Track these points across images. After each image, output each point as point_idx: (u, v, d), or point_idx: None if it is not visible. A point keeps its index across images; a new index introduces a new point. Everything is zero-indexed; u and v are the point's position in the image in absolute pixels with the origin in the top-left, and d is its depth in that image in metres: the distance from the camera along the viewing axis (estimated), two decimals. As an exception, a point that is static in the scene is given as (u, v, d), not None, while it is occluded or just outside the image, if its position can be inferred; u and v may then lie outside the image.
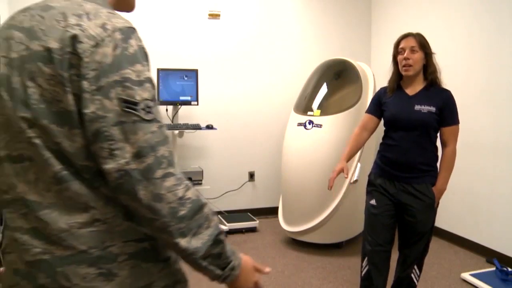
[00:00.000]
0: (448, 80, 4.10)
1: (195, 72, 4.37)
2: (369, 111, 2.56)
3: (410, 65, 2.31)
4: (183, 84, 4.32)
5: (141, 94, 0.86)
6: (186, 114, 4.67)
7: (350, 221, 3.84)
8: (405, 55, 2.32)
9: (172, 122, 4.41)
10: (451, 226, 4.15)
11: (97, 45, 0.83)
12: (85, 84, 0.82)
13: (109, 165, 0.83)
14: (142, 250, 0.94)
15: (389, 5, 5.00)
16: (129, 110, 0.84)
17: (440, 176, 2.39)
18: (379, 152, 2.53)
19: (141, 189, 0.84)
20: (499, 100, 3.59)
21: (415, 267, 2.48)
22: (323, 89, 4.00)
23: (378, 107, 2.50)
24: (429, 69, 2.36)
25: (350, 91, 3.92)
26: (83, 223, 0.88)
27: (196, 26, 4.68)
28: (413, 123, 2.31)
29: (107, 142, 0.83)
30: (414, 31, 2.43)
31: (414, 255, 2.45)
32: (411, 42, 2.33)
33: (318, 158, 3.66)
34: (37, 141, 0.86)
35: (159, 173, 0.85)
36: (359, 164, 3.64)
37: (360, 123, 2.57)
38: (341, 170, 2.38)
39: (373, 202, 2.46)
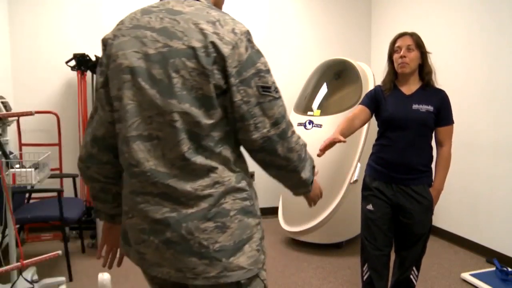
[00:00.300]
0: (448, 80, 4.12)
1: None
2: (363, 103, 2.46)
3: (406, 63, 2.30)
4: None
5: (270, 79, 1.14)
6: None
7: (350, 221, 3.84)
8: (401, 53, 2.31)
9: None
10: (451, 226, 4.15)
11: (233, 48, 1.08)
12: (232, 79, 1.08)
13: (255, 135, 1.12)
14: (245, 207, 1.18)
15: (389, 5, 5.00)
16: (265, 93, 1.12)
17: (437, 176, 2.38)
18: (373, 154, 2.49)
19: (279, 147, 1.15)
20: (499, 100, 3.59)
21: (414, 268, 2.45)
22: (323, 89, 4.00)
23: (373, 102, 2.43)
24: (425, 69, 2.35)
25: (350, 91, 3.92)
26: (205, 186, 1.11)
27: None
28: (411, 122, 2.29)
29: (252, 119, 1.11)
30: (414, 31, 2.42)
31: (412, 257, 2.43)
32: (408, 41, 2.32)
33: (317, 158, 3.65)
34: (177, 124, 1.08)
35: (289, 133, 1.17)
36: (359, 164, 3.64)
37: (351, 113, 2.44)
38: (335, 140, 2.19)
39: (370, 207, 2.42)
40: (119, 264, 1.45)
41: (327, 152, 2.42)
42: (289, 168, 1.20)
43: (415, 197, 2.33)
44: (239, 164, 1.20)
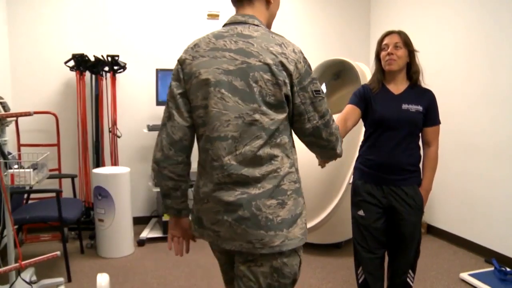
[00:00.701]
0: (447, 81, 4.14)
1: (194, 72, 4.36)
2: (353, 102, 2.39)
3: (394, 60, 2.29)
4: (182, 84, 4.32)
5: (319, 85, 1.49)
6: (185, 114, 4.66)
7: (349, 221, 3.81)
8: (388, 50, 2.29)
9: (171, 122, 4.41)
10: (450, 226, 4.16)
11: (295, 64, 1.41)
12: (295, 88, 1.42)
13: (308, 126, 1.47)
14: (297, 189, 1.49)
15: (388, 5, 5.01)
16: (317, 95, 1.46)
17: (425, 177, 2.37)
18: (360, 156, 2.45)
19: (324, 132, 1.49)
20: (498, 102, 3.59)
21: (410, 271, 2.43)
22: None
23: (362, 101, 2.37)
24: (413, 68, 2.34)
25: (349, 91, 3.92)
26: (269, 171, 1.42)
27: (195, 27, 4.68)
28: (402, 122, 2.27)
29: (306, 114, 1.45)
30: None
31: (407, 261, 2.40)
32: (395, 39, 2.30)
33: (317, 159, 3.65)
34: (257, 122, 1.40)
35: (331, 122, 1.51)
36: (358, 164, 3.64)
37: (341, 115, 2.38)
38: None
39: (361, 213, 2.40)
40: (187, 250, 1.71)
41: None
42: (329, 147, 1.54)
43: (406, 199, 2.31)
44: (292, 154, 1.51)
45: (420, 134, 2.37)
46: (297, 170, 1.53)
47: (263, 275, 1.45)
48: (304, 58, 1.46)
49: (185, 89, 1.49)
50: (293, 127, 1.51)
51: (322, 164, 2.03)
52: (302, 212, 1.50)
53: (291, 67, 1.40)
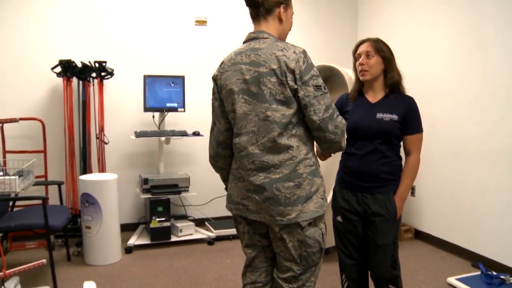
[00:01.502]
0: (435, 87, 4.18)
1: (181, 78, 4.36)
2: None
3: (365, 70, 2.28)
4: (169, 90, 4.31)
5: (320, 81, 1.72)
6: (172, 120, 4.65)
7: (337, 227, 3.84)
8: (360, 60, 2.29)
9: (159, 128, 4.39)
10: (437, 231, 4.19)
11: (296, 62, 1.67)
12: (298, 82, 1.67)
13: (315, 118, 1.69)
14: (313, 171, 1.76)
15: (375, 12, 5.05)
16: (318, 89, 1.70)
17: (401, 184, 2.29)
18: (340, 162, 2.46)
19: (329, 125, 1.71)
20: (485, 108, 3.64)
21: (390, 286, 2.38)
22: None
23: (339, 111, 2.39)
24: (388, 74, 2.30)
25: (337, 96, 3.93)
26: (286, 159, 1.71)
27: (183, 33, 4.68)
28: (375, 131, 2.25)
29: (312, 107, 1.68)
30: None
31: (383, 270, 2.34)
32: (366, 47, 2.29)
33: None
34: (270, 118, 1.69)
35: (335, 115, 1.73)
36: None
37: None
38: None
39: (339, 219, 2.40)
40: None
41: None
42: (335, 140, 1.75)
43: (378, 207, 2.26)
44: (309, 141, 1.78)
45: (401, 143, 2.33)
46: (314, 155, 1.81)
47: (294, 248, 1.77)
48: (305, 57, 1.70)
49: (221, 100, 1.85)
50: (306, 120, 1.74)
51: (323, 158, 2.16)
52: (319, 189, 1.78)
53: (292, 65, 1.66)
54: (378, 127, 2.24)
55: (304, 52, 1.71)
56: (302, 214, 1.72)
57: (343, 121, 1.76)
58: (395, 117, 2.24)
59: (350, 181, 2.35)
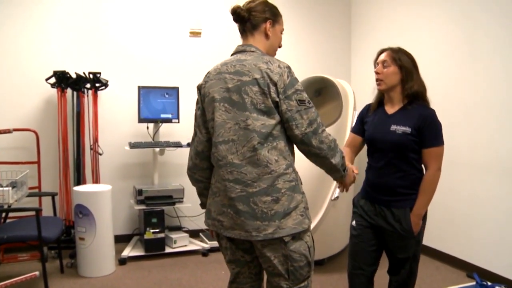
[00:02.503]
0: (428, 97, 4.19)
1: (176, 90, 4.37)
2: (352, 130, 2.48)
3: (380, 80, 2.25)
4: (164, 101, 4.32)
5: (304, 95, 1.73)
6: (167, 131, 4.65)
7: (331, 238, 3.85)
8: (375, 69, 2.27)
9: (153, 139, 4.39)
10: (432, 241, 4.19)
11: (280, 76, 1.68)
12: (280, 96, 1.67)
13: (296, 132, 1.69)
14: (293, 186, 1.73)
15: (369, 23, 5.10)
16: (302, 104, 1.70)
17: (417, 201, 2.22)
18: (365, 172, 2.43)
19: (313, 140, 1.70)
20: (478, 119, 3.66)
21: None
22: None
23: (361, 125, 2.42)
24: (406, 84, 2.23)
25: (330, 108, 3.96)
26: (265, 172, 1.68)
27: (177, 44, 4.70)
28: (387, 144, 2.21)
29: (294, 121, 1.68)
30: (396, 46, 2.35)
31: (401, 281, 2.38)
32: (385, 57, 2.25)
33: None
34: (250, 127, 1.67)
35: (320, 130, 1.71)
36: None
37: (346, 144, 2.50)
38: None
39: (353, 223, 2.39)
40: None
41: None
42: (321, 155, 1.73)
43: (392, 222, 2.23)
44: (289, 156, 1.76)
45: (421, 156, 2.23)
46: (294, 170, 1.77)
47: (280, 264, 1.74)
48: (289, 72, 1.72)
49: (203, 109, 1.84)
50: (288, 135, 1.74)
51: (342, 188, 2.07)
52: (298, 205, 1.74)
53: (275, 78, 1.67)
54: (390, 139, 2.20)
55: (288, 67, 1.73)
56: (280, 230, 1.68)
57: (330, 137, 1.74)
58: (408, 129, 2.16)
59: (370, 192, 2.34)
